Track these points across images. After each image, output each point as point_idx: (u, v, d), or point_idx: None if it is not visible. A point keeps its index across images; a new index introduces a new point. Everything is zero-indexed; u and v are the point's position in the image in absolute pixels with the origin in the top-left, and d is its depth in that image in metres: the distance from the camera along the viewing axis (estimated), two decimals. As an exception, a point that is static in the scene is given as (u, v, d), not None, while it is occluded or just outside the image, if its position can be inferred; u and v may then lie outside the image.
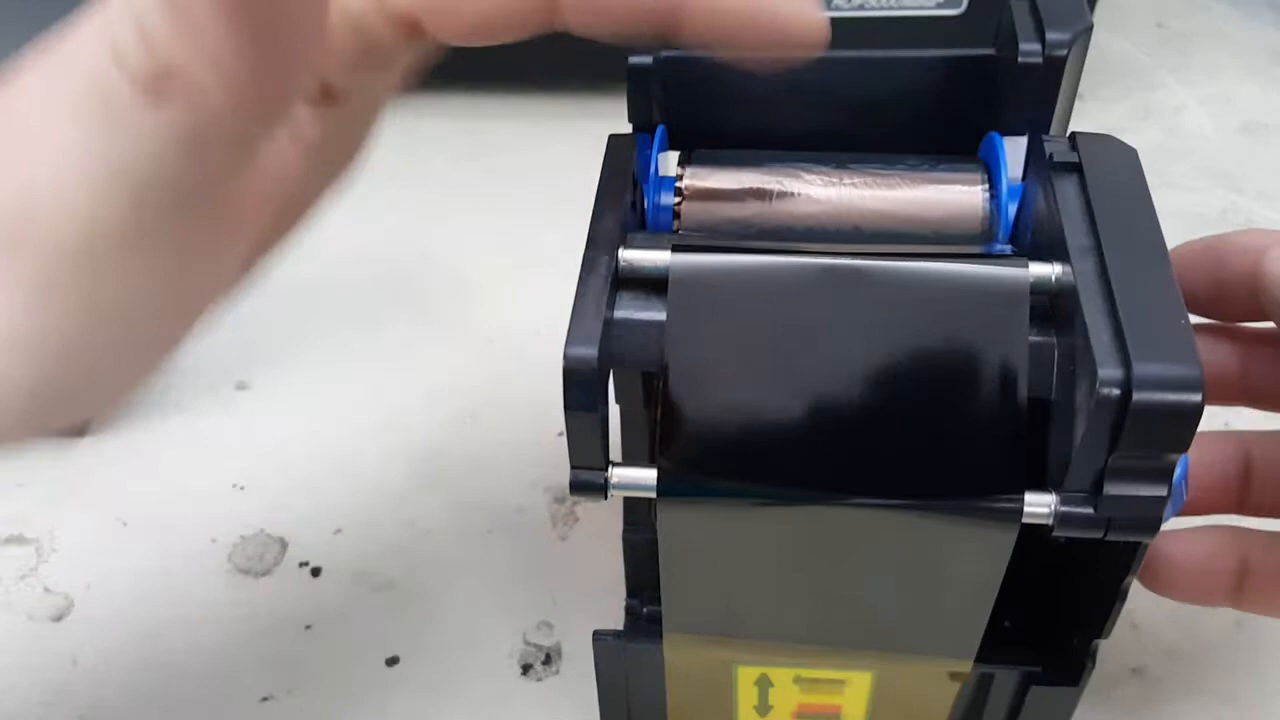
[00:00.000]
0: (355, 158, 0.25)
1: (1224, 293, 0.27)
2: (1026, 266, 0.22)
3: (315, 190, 0.24)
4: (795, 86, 0.28)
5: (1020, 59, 0.26)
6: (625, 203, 0.24)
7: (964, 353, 0.22)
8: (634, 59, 0.27)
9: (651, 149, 0.27)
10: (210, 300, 0.22)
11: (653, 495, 0.22)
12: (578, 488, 0.22)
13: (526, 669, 0.33)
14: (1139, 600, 0.34)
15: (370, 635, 0.34)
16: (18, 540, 0.36)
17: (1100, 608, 0.25)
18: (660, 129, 0.28)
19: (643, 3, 0.21)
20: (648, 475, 0.22)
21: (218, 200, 0.20)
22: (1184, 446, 0.20)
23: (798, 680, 0.27)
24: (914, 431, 0.22)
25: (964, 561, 0.23)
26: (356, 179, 0.25)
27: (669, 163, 0.28)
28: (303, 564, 0.36)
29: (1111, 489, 0.21)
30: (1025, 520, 0.22)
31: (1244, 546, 0.27)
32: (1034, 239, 0.24)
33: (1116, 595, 0.24)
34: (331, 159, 0.24)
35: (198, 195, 0.19)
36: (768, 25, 0.21)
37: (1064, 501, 0.21)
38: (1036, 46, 0.26)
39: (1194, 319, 0.30)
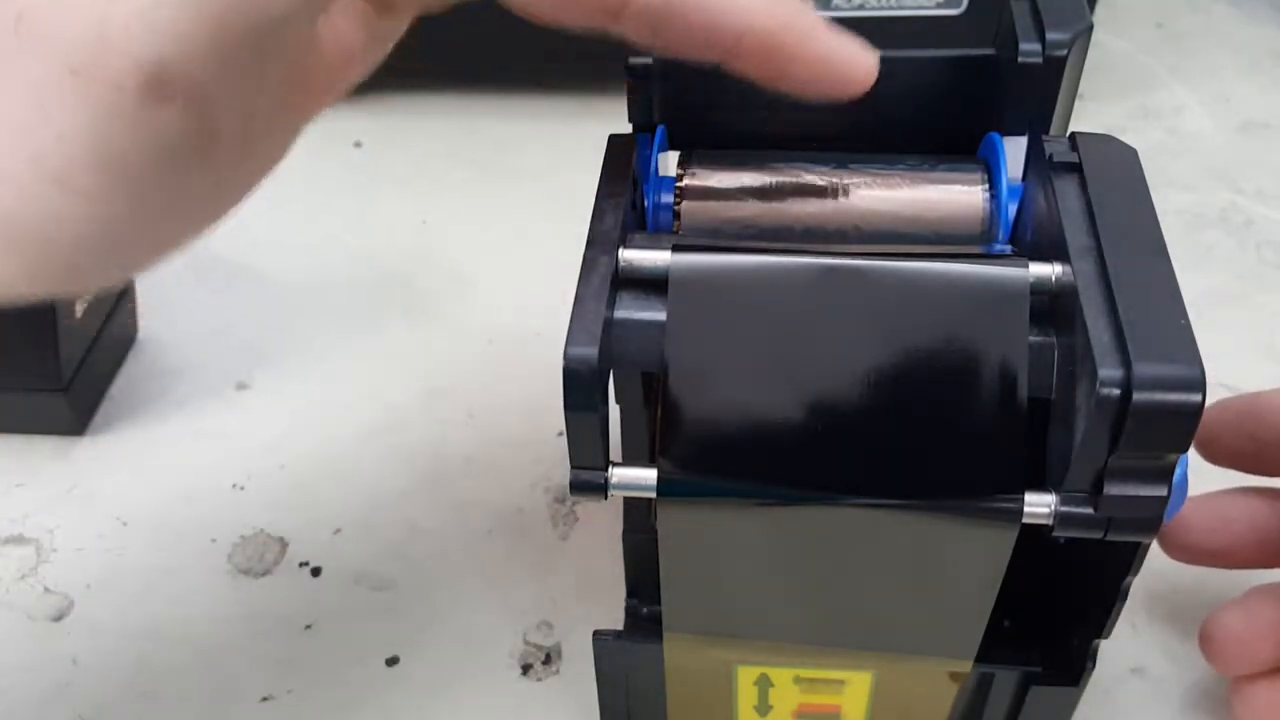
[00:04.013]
0: (371, 67, 0.26)
1: (1264, 451, 0.27)
2: (1026, 266, 0.22)
3: (339, 87, 0.25)
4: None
5: (1020, 59, 0.26)
6: (625, 203, 0.24)
7: (964, 353, 0.22)
8: (634, 59, 0.27)
9: (651, 149, 0.27)
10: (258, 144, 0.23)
11: (653, 495, 0.22)
12: (578, 488, 0.22)
13: (526, 669, 0.33)
14: (1139, 600, 0.34)
15: (370, 635, 0.34)
16: (18, 540, 0.36)
17: (1100, 608, 0.25)
18: (660, 129, 0.28)
19: None
20: (648, 475, 0.22)
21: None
22: (1184, 446, 0.20)
23: (798, 680, 0.27)
24: (914, 431, 0.22)
25: (964, 561, 0.23)
26: (356, 179, 0.25)
27: (669, 163, 0.28)
28: (303, 564, 0.36)
29: (1111, 489, 0.21)
30: (1025, 520, 0.22)
31: None
32: (1034, 239, 0.24)
33: (1116, 595, 0.24)
34: (360, 67, 0.25)
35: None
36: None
37: (1064, 501, 0.21)
38: (1036, 46, 0.26)
39: (1248, 481, 0.29)
